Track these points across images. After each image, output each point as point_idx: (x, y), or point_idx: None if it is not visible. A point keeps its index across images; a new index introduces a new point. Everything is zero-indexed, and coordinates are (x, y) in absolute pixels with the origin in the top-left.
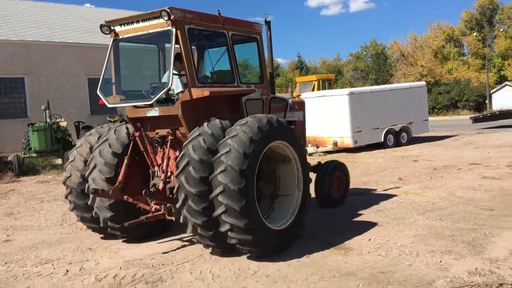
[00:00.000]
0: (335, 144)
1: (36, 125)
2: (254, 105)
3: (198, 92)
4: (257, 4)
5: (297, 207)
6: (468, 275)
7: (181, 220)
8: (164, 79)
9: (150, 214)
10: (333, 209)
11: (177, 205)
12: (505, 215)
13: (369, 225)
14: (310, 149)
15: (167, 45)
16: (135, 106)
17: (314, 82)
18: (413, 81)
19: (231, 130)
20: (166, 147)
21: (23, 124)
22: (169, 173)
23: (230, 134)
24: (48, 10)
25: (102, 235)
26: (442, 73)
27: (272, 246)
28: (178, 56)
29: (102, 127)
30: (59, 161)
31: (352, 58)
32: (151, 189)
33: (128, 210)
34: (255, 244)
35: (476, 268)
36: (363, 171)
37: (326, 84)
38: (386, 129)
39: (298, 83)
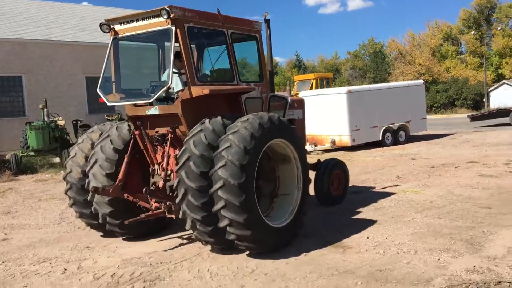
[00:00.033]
0: (333, 142)
1: (34, 123)
2: (253, 104)
3: (198, 91)
4: (255, 3)
5: (296, 207)
6: (466, 273)
7: (180, 216)
8: (164, 78)
9: (150, 212)
10: (332, 207)
11: (177, 200)
12: (503, 213)
13: (367, 223)
14: (308, 147)
15: (166, 43)
16: (135, 105)
17: (312, 80)
18: (411, 79)
19: (232, 126)
20: (166, 145)
21: (21, 122)
22: (169, 171)
23: (231, 130)
24: (45, 9)
25: (101, 233)
26: (440, 72)
27: (270, 244)
28: (177, 55)
29: (104, 124)
30: (57, 159)
31: (350, 57)
32: (152, 187)
33: (127, 207)
34: (254, 240)
35: (474, 266)
36: (361, 170)
37: (324, 82)
38: (384, 128)
39: (296, 82)
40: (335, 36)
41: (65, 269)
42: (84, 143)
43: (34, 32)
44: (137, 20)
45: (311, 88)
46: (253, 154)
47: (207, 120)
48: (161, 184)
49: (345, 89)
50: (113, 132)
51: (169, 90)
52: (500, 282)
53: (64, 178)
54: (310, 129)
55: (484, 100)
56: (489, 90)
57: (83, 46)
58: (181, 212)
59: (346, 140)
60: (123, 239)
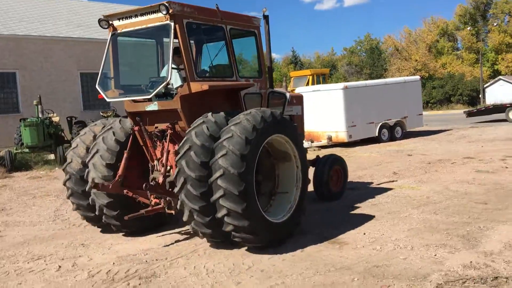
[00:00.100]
0: (330, 138)
1: (28, 120)
2: (252, 99)
3: (197, 86)
4: None
5: (294, 205)
6: (462, 269)
7: (178, 207)
8: (163, 73)
9: (149, 208)
10: (328, 203)
11: (175, 190)
12: (499, 209)
13: (364, 219)
14: (305, 143)
15: (165, 39)
16: (134, 101)
17: (308, 76)
18: (407, 75)
19: (235, 118)
20: (166, 141)
21: (15, 119)
22: (168, 167)
23: (234, 122)
24: (39, 4)
25: (96, 229)
26: (436, 68)
27: (266, 238)
28: (176, 50)
29: (107, 119)
30: (51, 156)
31: (346, 53)
32: (151, 183)
33: (125, 199)
34: (251, 231)
35: (471, 262)
36: (357, 166)
37: (321, 78)
38: (380, 124)
39: (292, 78)
40: (331, 32)
41: (60, 266)
42: (87, 135)
43: (28, 28)
44: (136, 15)
45: (307, 84)
46: (254, 146)
47: (209, 114)
48: (160, 179)
49: (341, 85)
50: (116, 124)
51: (168, 86)
52: (497, 277)
53: (64, 169)
54: (307, 125)
55: (480, 96)
56: (485, 86)
57: (77, 42)
58: (179, 203)
59: (343, 136)
60: (118, 236)
